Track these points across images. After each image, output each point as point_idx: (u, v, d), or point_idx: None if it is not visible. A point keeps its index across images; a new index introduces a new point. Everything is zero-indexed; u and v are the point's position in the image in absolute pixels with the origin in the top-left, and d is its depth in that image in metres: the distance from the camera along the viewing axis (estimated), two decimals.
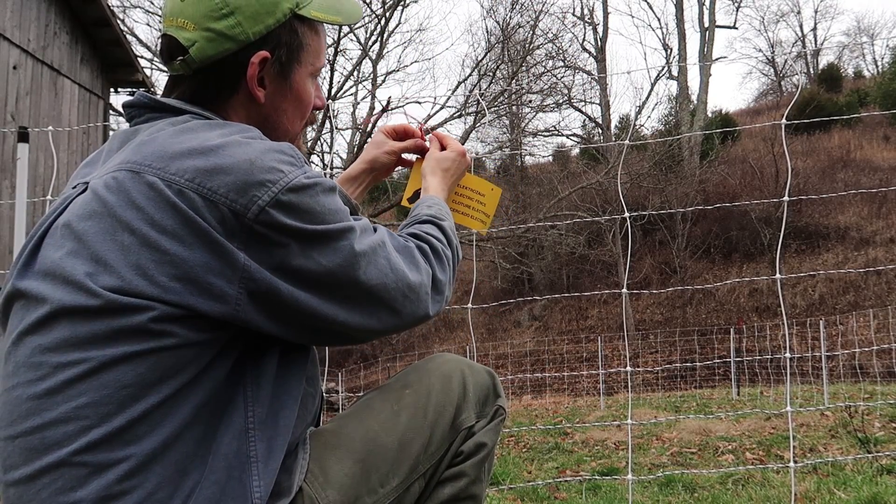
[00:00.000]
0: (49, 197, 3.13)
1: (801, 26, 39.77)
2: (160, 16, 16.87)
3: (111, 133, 11.61)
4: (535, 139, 21.86)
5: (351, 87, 17.18)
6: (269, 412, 0.93)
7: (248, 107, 1.06)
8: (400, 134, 1.46)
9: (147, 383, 0.84)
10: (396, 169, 1.51)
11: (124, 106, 1.05)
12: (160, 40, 1.06)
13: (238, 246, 0.87)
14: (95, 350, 0.84)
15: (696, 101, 27.20)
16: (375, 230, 1.02)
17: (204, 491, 0.86)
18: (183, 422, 0.86)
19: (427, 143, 1.46)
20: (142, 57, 13.73)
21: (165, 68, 1.06)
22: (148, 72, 13.07)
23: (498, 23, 18.80)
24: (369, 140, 1.44)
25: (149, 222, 0.85)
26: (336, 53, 15.47)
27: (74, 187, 0.96)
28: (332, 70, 15.79)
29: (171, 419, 0.85)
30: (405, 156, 1.47)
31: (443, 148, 1.43)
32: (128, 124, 1.04)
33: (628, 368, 2.84)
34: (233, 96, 1.04)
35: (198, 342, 0.87)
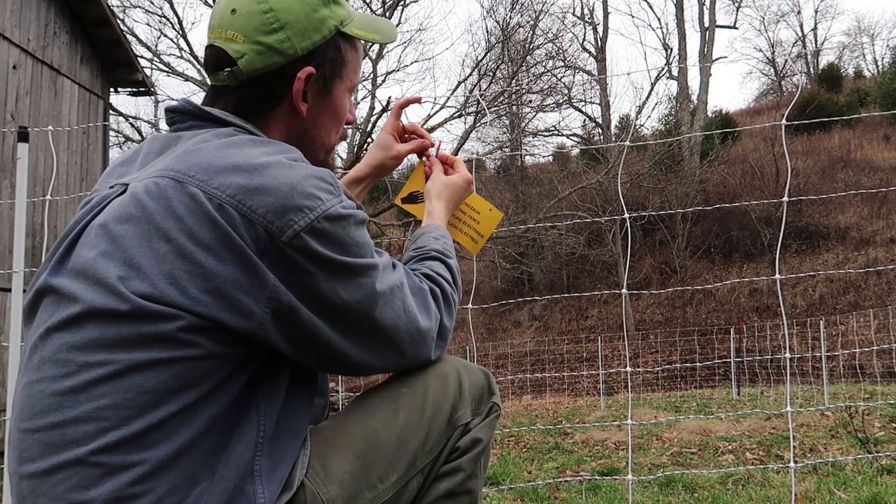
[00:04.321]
0: (48, 197, 3.12)
1: (801, 26, 39.70)
2: (160, 16, 16.73)
3: (111, 133, 11.61)
4: (535, 139, 21.86)
5: None
6: (278, 425, 0.95)
7: (289, 119, 1.08)
8: (407, 132, 1.47)
9: (168, 391, 0.86)
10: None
11: (167, 110, 1.06)
12: (205, 51, 1.08)
13: (268, 266, 0.89)
14: (121, 353, 0.85)
15: (696, 101, 27.20)
16: (394, 266, 1.05)
17: (211, 499, 0.87)
18: (198, 431, 0.87)
19: (431, 144, 1.48)
20: (142, 57, 13.72)
21: (210, 78, 1.07)
22: (148, 72, 13.07)
23: (498, 23, 18.78)
24: (374, 139, 1.45)
25: (186, 233, 0.87)
26: None
27: (112, 187, 0.97)
28: None
29: (186, 428, 0.86)
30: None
31: (446, 171, 1.44)
32: (168, 127, 1.06)
33: (628, 368, 2.84)
34: (276, 109, 1.07)
35: (220, 354, 0.89)
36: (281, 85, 1.05)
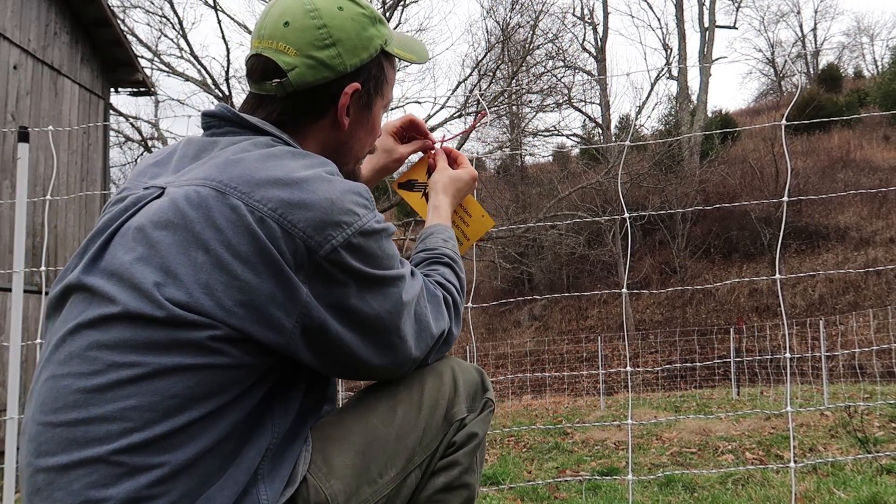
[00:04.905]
0: (49, 197, 3.13)
1: (801, 26, 39.76)
2: (160, 16, 16.68)
3: (111, 133, 11.59)
4: (535, 139, 21.86)
5: None
6: (288, 432, 0.98)
7: (328, 132, 1.11)
8: (406, 129, 1.48)
9: (194, 396, 0.87)
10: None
11: (204, 114, 1.07)
12: (250, 59, 1.09)
13: (302, 280, 0.91)
14: (151, 356, 0.86)
15: (696, 101, 27.19)
16: (413, 274, 1.08)
17: (220, 501, 0.89)
18: (217, 438, 0.89)
19: (434, 144, 1.49)
20: (142, 57, 13.73)
21: (252, 87, 1.09)
22: (148, 72, 13.06)
23: (498, 23, 18.80)
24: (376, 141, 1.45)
25: (225, 244, 0.88)
26: None
27: (147, 188, 0.98)
28: None
29: (207, 434, 0.88)
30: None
31: (451, 164, 1.46)
32: (203, 130, 1.07)
33: (628, 368, 2.84)
34: (317, 121, 1.10)
35: (246, 364, 0.90)
36: (327, 99, 1.08)
